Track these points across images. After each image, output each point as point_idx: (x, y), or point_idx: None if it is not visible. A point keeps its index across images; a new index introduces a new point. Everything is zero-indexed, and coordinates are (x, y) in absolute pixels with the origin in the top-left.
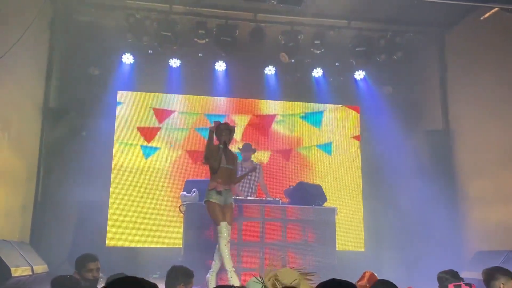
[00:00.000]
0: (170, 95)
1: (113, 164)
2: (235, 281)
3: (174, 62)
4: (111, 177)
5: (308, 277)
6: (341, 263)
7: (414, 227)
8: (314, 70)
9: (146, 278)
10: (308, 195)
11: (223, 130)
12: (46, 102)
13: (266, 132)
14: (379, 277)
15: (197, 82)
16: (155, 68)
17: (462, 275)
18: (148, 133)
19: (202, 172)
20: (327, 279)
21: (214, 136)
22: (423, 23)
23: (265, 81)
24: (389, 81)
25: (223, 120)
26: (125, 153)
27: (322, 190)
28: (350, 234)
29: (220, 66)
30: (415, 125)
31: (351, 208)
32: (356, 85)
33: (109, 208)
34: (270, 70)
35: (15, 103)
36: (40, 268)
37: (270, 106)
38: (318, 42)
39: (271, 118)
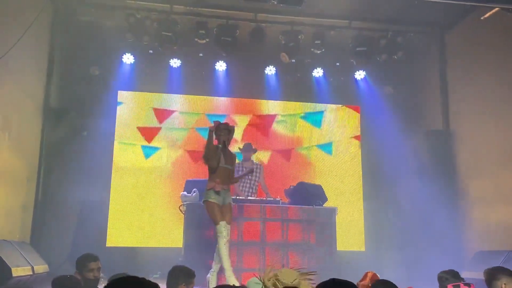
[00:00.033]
0: (171, 95)
1: (113, 164)
2: (233, 281)
3: (175, 62)
4: (112, 177)
5: (307, 276)
6: (342, 263)
7: (415, 227)
8: (315, 70)
9: (147, 278)
10: (309, 195)
11: (222, 130)
12: (47, 102)
13: (267, 132)
14: (380, 277)
15: (198, 82)
16: (155, 68)
17: (462, 275)
18: (148, 133)
19: (203, 172)
20: (328, 279)
21: (214, 136)
22: (423, 23)
23: (265, 81)
24: (389, 81)
25: (223, 120)
26: (126, 153)
27: (323, 190)
28: (351, 234)
29: (221, 66)
30: (415, 125)
31: (351, 208)
32: (357, 85)
33: (110, 208)
34: (270, 70)
35: (15, 103)
36: (41, 268)
37: (271, 106)
38: (319, 42)
39: (271, 118)
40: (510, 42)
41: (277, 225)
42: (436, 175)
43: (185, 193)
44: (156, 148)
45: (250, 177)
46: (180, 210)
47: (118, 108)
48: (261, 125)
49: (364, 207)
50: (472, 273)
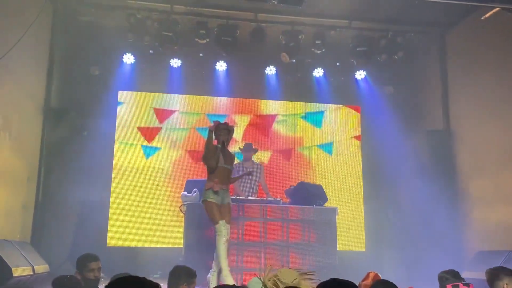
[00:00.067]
0: (171, 95)
1: (113, 164)
2: (229, 280)
3: (175, 62)
4: (112, 177)
5: (307, 276)
6: (342, 263)
7: (415, 227)
8: (315, 70)
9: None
10: (309, 195)
11: (221, 130)
12: (47, 102)
13: (267, 132)
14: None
15: (198, 82)
16: (156, 68)
17: (463, 275)
18: (148, 133)
19: (203, 172)
20: (328, 279)
21: (213, 136)
22: (424, 23)
23: (266, 81)
24: (389, 81)
25: (224, 120)
26: (126, 153)
27: (323, 190)
28: (351, 234)
29: (221, 66)
30: (415, 125)
31: (352, 208)
32: (357, 85)
33: (110, 208)
34: (271, 70)
35: (15, 103)
36: (41, 268)
37: (271, 106)
38: (319, 42)
39: (272, 118)
40: (510, 42)
41: (277, 225)
42: (436, 175)
43: (185, 193)
44: (156, 148)
45: (250, 177)
46: (181, 210)
47: (119, 108)
48: (262, 125)
49: (364, 207)
50: (473, 273)
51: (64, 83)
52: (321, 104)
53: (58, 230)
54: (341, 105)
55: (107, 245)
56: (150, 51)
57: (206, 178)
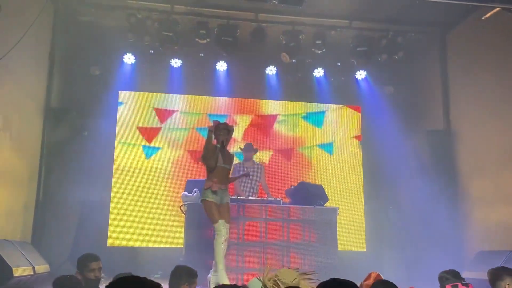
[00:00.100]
0: (172, 95)
1: (114, 164)
2: (225, 280)
3: (176, 62)
4: (113, 177)
5: (306, 276)
6: (343, 263)
7: (415, 227)
8: (315, 70)
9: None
10: (310, 195)
11: (221, 130)
12: (48, 102)
13: (268, 132)
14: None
15: (199, 82)
16: (156, 68)
17: (463, 275)
18: (148, 133)
19: (204, 172)
20: (328, 279)
21: (213, 136)
22: (424, 23)
23: (266, 81)
24: (390, 81)
25: (224, 120)
26: (127, 153)
27: (324, 190)
28: (352, 234)
29: (221, 66)
30: (416, 125)
31: (352, 208)
32: (358, 85)
33: (111, 208)
34: (271, 70)
35: (16, 103)
36: (42, 268)
37: (272, 106)
38: (319, 42)
39: (273, 118)
40: (511, 42)
41: (278, 225)
42: (436, 175)
43: (186, 193)
44: (157, 148)
45: (251, 177)
46: (181, 210)
47: (119, 108)
48: (263, 125)
49: (365, 207)
50: (473, 273)
51: (64, 83)
52: (322, 104)
53: (59, 230)
54: (341, 105)
55: (107, 245)
56: (150, 51)
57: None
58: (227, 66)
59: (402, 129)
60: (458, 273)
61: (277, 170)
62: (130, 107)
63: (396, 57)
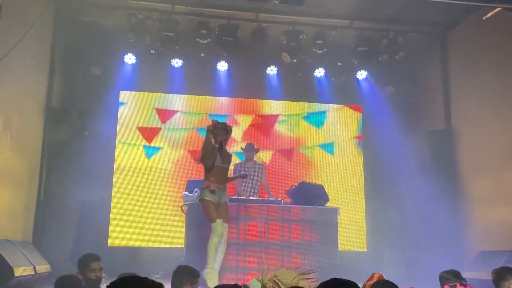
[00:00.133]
0: (172, 95)
1: (115, 164)
2: (213, 281)
3: (176, 62)
4: (113, 177)
5: (306, 276)
6: (343, 263)
7: (416, 227)
8: (316, 70)
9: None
10: (310, 195)
11: (220, 130)
12: (48, 102)
13: (269, 132)
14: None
15: (199, 82)
16: (157, 68)
17: (464, 275)
18: (148, 133)
19: (204, 172)
20: (329, 278)
21: (212, 135)
22: (425, 23)
23: (267, 81)
24: (391, 81)
25: (225, 120)
26: (127, 153)
27: (324, 190)
28: (352, 234)
29: (222, 66)
30: (416, 125)
31: (353, 208)
32: (358, 85)
33: (111, 208)
34: (272, 70)
35: (16, 103)
36: (43, 267)
37: (273, 106)
38: (320, 42)
39: (274, 118)
40: (511, 42)
41: (278, 225)
42: (437, 174)
43: (186, 193)
44: (158, 148)
45: (252, 177)
46: (182, 210)
47: (120, 108)
48: (263, 125)
49: (365, 207)
50: (474, 273)
51: (65, 83)
52: (323, 104)
53: (60, 230)
54: (342, 105)
55: (108, 245)
56: (151, 51)
57: None
58: (228, 66)
59: (402, 129)
60: (459, 273)
61: (278, 170)
62: (131, 107)
63: (397, 57)
